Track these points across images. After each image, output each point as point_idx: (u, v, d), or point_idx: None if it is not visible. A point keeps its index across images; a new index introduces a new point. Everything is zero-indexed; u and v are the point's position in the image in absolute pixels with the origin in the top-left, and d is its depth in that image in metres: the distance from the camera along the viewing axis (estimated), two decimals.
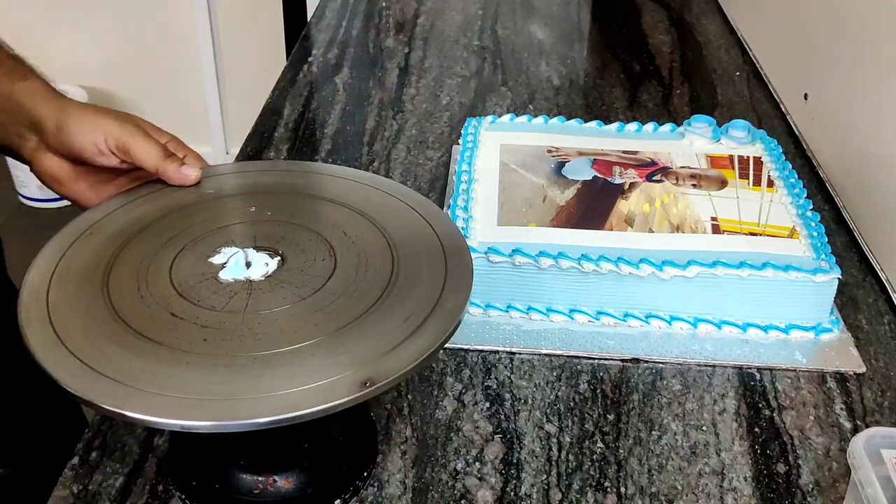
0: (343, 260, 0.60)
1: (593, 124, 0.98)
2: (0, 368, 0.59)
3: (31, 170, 0.70)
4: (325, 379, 0.50)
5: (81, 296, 0.56)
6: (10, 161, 2.48)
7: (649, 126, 0.97)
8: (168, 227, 0.63)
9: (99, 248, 0.61)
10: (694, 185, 0.86)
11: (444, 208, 0.90)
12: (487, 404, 0.70)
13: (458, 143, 1.01)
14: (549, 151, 0.91)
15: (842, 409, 0.71)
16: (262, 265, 0.59)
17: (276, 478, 0.60)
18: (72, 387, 0.49)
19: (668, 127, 0.97)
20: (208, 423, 0.48)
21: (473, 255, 0.75)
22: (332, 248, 0.61)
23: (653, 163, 0.89)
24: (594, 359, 0.75)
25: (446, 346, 0.74)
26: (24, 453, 0.79)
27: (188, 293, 0.57)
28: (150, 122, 0.70)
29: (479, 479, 0.64)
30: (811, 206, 0.82)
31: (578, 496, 0.63)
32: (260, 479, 0.60)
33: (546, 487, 0.63)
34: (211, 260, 0.60)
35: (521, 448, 0.66)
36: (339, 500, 0.61)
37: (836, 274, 0.74)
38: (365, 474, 0.63)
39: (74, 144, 0.66)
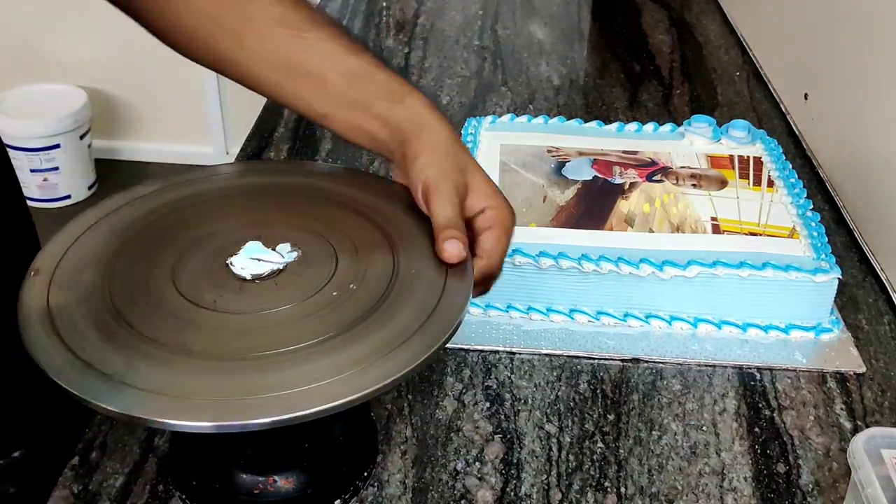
0: (343, 261, 0.60)
1: (593, 124, 0.98)
2: (11, 349, 0.58)
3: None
4: (326, 379, 0.50)
5: (82, 296, 0.56)
6: (12, 161, 2.48)
7: (649, 126, 0.97)
8: (168, 228, 0.63)
9: (99, 247, 0.61)
10: (694, 185, 0.86)
11: None
12: (487, 404, 0.70)
13: None
14: (550, 151, 0.91)
15: (842, 409, 0.71)
16: (265, 266, 0.59)
17: (276, 478, 0.60)
18: (71, 386, 0.49)
19: (668, 127, 0.97)
20: (209, 423, 0.48)
21: None
22: (332, 248, 0.61)
23: (653, 163, 0.89)
24: (594, 359, 0.75)
25: (446, 346, 0.74)
26: (40, 435, 0.79)
27: (189, 293, 0.57)
28: (489, 182, 0.65)
29: (479, 479, 0.64)
30: (811, 206, 0.82)
31: (578, 496, 0.63)
32: (260, 478, 0.60)
33: (546, 487, 0.63)
34: (218, 258, 0.60)
35: (521, 448, 0.66)
36: (339, 500, 0.61)
37: (836, 274, 0.74)
38: (365, 474, 0.63)
39: (408, 180, 0.64)
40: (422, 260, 0.60)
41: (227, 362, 0.52)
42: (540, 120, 0.98)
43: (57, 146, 2.42)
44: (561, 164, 0.89)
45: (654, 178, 0.86)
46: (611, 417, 0.69)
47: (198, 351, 0.53)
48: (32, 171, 2.43)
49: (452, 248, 0.60)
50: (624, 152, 0.91)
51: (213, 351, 0.53)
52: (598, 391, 0.72)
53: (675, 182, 0.86)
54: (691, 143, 0.94)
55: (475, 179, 0.64)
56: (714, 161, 0.90)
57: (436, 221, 0.61)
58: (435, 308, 0.56)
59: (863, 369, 0.74)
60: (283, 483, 0.60)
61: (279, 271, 0.59)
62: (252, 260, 0.59)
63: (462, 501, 0.62)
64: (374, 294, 0.57)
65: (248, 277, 0.58)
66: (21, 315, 0.54)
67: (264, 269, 0.59)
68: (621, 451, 0.66)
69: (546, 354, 0.75)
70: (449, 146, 0.64)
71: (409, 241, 0.62)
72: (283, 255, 0.60)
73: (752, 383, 0.73)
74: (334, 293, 0.57)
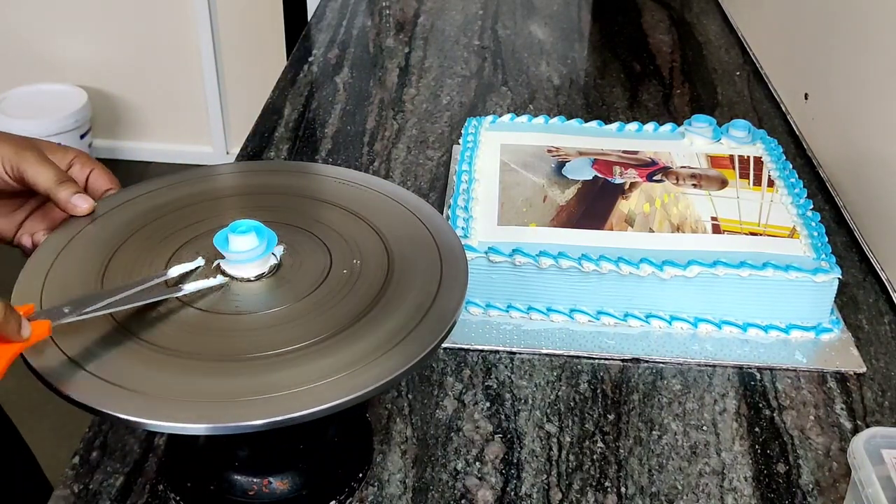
0: (338, 262, 0.60)
1: (594, 124, 0.98)
2: None
3: None
4: (320, 381, 0.50)
5: (75, 296, 0.56)
6: None
7: (650, 126, 0.97)
8: (163, 228, 0.63)
9: (93, 249, 0.61)
10: (694, 185, 0.86)
11: (445, 208, 0.90)
12: (488, 404, 0.70)
13: (459, 143, 1.01)
14: (550, 151, 0.91)
15: (842, 409, 0.71)
16: (259, 266, 0.59)
17: (271, 479, 0.60)
18: (63, 387, 0.49)
19: (668, 127, 0.97)
20: (202, 425, 0.48)
21: (474, 255, 0.75)
22: (327, 249, 0.61)
23: (653, 162, 0.89)
24: (594, 359, 0.75)
25: (446, 345, 0.74)
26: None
27: (182, 294, 0.57)
28: (55, 143, 0.67)
29: (480, 478, 0.64)
30: (811, 206, 0.82)
31: (578, 496, 0.63)
32: (255, 480, 0.60)
33: (546, 487, 0.63)
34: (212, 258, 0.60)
35: (521, 448, 0.66)
36: (334, 502, 0.61)
37: (837, 274, 0.74)
38: (360, 475, 0.63)
39: None
40: (417, 261, 0.60)
41: (220, 363, 0.52)
42: (540, 120, 0.98)
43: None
44: (561, 164, 0.89)
45: (655, 178, 0.86)
46: (611, 417, 0.69)
47: (191, 352, 0.52)
48: None
49: (81, 202, 0.63)
50: (624, 152, 0.91)
51: (207, 352, 0.53)
52: (599, 391, 0.72)
53: (675, 182, 0.86)
54: (691, 142, 0.94)
55: (39, 144, 0.65)
56: (714, 161, 0.90)
57: (45, 183, 0.62)
58: (429, 309, 0.55)
59: (863, 369, 0.74)
60: (279, 484, 0.60)
61: (273, 271, 0.59)
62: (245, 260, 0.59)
63: (462, 501, 0.62)
64: (369, 294, 0.57)
65: (241, 277, 0.58)
66: None
67: (256, 266, 0.58)
68: (621, 450, 0.66)
69: (546, 354, 0.75)
70: (8, 136, 0.65)
71: (403, 242, 0.62)
72: (274, 252, 0.60)
73: (753, 383, 0.73)
74: (328, 294, 0.57)
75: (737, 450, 0.67)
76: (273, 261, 0.59)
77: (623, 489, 0.63)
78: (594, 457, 0.66)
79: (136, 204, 0.66)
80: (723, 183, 0.86)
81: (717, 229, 0.80)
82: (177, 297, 0.56)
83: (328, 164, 1.00)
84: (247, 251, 0.57)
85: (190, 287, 0.57)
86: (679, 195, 0.84)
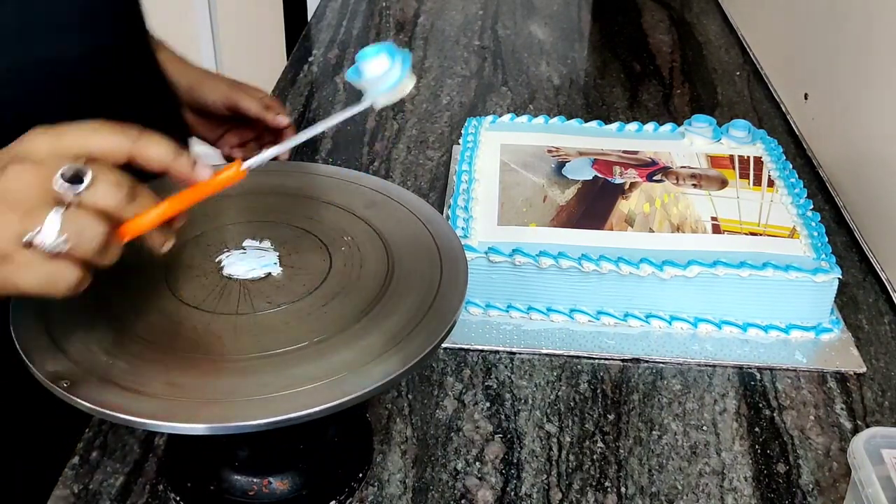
0: (338, 262, 0.60)
1: (594, 124, 0.98)
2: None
3: None
4: (319, 381, 0.50)
5: (74, 297, 0.56)
6: None
7: (650, 126, 0.97)
8: None
9: None
10: (694, 185, 0.86)
11: (445, 208, 0.90)
12: (488, 404, 0.70)
13: (459, 143, 1.01)
14: (550, 151, 0.91)
15: (842, 408, 0.71)
16: (259, 266, 0.59)
17: (271, 479, 0.60)
18: (64, 389, 0.49)
19: (668, 127, 0.97)
20: (202, 425, 0.48)
21: (474, 255, 0.75)
22: (327, 249, 0.61)
23: (653, 163, 0.89)
24: (594, 359, 0.75)
25: (446, 345, 0.74)
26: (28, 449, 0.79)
27: (182, 294, 0.57)
28: (256, 86, 0.92)
29: (480, 478, 0.64)
30: (811, 206, 0.82)
31: (578, 496, 0.63)
32: (255, 480, 0.60)
33: (546, 487, 0.63)
34: (211, 259, 0.60)
35: (521, 448, 0.66)
36: (334, 502, 0.61)
37: (837, 274, 0.74)
38: (360, 475, 0.63)
39: (201, 101, 0.89)
40: (417, 260, 0.60)
41: (220, 363, 0.52)
42: (540, 120, 0.98)
43: None
44: (561, 164, 0.89)
45: (655, 178, 0.86)
46: (611, 417, 0.69)
47: (191, 352, 0.52)
48: None
49: (283, 119, 0.88)
50: (624, 152, 0.91)
51: (207, 352, 0.53)
52: (599, 391, 0.72)
53: (675, 182, 0.86)
54: (691, 142, 0.94)
55: (245, 85, 0.91)
56: (714, 161, 0.90)
57: (254, 109, 0.88)
58: (429, 309, 0.55)
59: (863, 369, 0.74)
60: (278, 484, 0.60)
61: (273, 270, 0.59)
62: (243, 260, 0.59)
63: (462, 501, 0.62)
64: (369, 295, 0.57)
65: (241, 278, 0.58)
66: (13, 319, 0.54)
67: (256, 267, 0.58)
68: (621, 450, 0.66)
69: (546, 354, 0.75)
70: (210, 72, 0.93)
71: (403, 242, 0.62)
72: (267, 250, 0.60)
73: (753, 383, 0.73)
74: (328, 295, 0.57)
75: (737, 450, 0.67)
76: (272, 260, 0.59)
77: (623, 489, 0.63)
78: (594, 457, 0.66)
79: None
80: (723, 183, 0.86)
81: (717, 229, 0.80)
82: None
83: (328, 164, 1.00)
84: (381, 75, 0.53)
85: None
86: (679, 195, 0.84)
